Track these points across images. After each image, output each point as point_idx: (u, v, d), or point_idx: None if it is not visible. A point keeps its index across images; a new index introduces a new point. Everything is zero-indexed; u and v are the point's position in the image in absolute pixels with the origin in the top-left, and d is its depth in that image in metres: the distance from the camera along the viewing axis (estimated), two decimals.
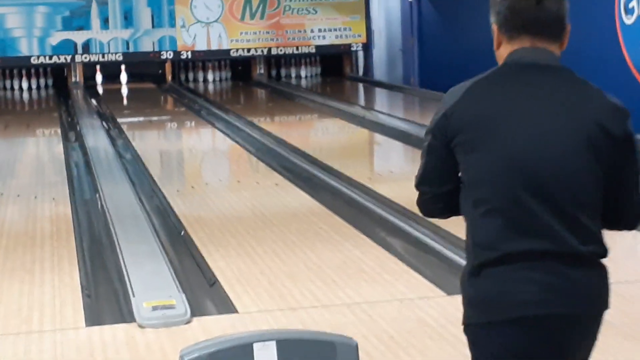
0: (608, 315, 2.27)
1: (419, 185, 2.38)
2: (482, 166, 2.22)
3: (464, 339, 4.28)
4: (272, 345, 2.63)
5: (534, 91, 2.23)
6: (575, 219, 2.18)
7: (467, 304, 2.30)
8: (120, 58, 16.65)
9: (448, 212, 2.40)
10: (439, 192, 2.35)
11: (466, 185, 2.28)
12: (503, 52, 2.33)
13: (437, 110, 2.31)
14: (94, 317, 4.66)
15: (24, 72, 16.53)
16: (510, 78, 2.27)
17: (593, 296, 2.24)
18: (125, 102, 16.22)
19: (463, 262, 5.35)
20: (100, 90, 16.73)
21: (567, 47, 2.34)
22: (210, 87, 17.01)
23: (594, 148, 2.18)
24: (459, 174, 2.30)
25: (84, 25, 16.50)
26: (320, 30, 17.26)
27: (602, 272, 2.26)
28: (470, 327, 2.32)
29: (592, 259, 2.22)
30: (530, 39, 2.27)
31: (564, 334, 2.22)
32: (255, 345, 2.62)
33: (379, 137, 10.86)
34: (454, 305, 4.50)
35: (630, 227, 2.32)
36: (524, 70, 2.26)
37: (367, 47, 17.40)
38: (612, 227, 2.31)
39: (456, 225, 6.38)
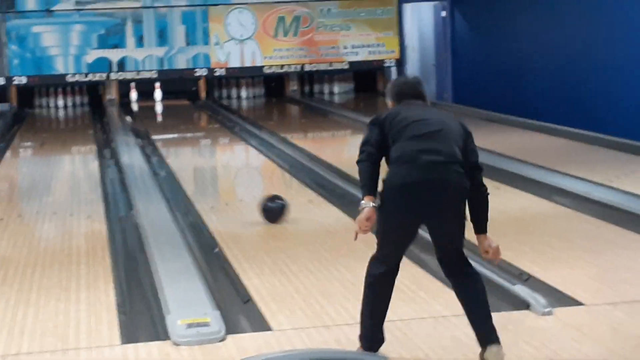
0: None
1: (362, 145, 3.97)
2: (400, 138, 3.92)
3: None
4: None
5: (421, 106, 4.10)
6: (454, 151, 3.93)
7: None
8: (155, 75, 16.78)
9: (373, 163, 3.94)
10: (372, 150, 3.94)
11: (391, 147, 3.93)
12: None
13: (371, 121, 4.04)
14: (129, 335, 4.67)
15: (59, 90, 16.71)
16: (409, 105, 4.09)
17: (458, 187, 3.89)
18: (159, 119, 16.33)
19: (501, 281, 5.33)
20: (135, 107, 16.86)
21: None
22: (244, 103, 17.08)
23: (459, 128, 4.01)
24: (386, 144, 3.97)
25: (119, 43, 16.66)
26: (353, 47, 17.29)
27: (465, 177, 3.91)
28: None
29: (461, 169, 3.91)
30: (409, 100, 4.11)
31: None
32: None
33: None
34: None
35: (476, 169, 4.02)
36: (413, 103, 4.12)
37: (400, 62, 17.41)
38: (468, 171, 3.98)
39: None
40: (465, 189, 3.91)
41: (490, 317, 3.94)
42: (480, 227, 4.01)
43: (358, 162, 3.96)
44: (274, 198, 7.15)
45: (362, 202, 3.90)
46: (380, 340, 4.04)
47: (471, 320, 3.95)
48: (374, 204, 3.89)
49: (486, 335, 3.91)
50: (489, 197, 4.04)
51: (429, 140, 3.88)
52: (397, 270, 4.03)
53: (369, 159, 3.93)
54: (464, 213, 3.94)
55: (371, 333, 4.03)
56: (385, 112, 4.05)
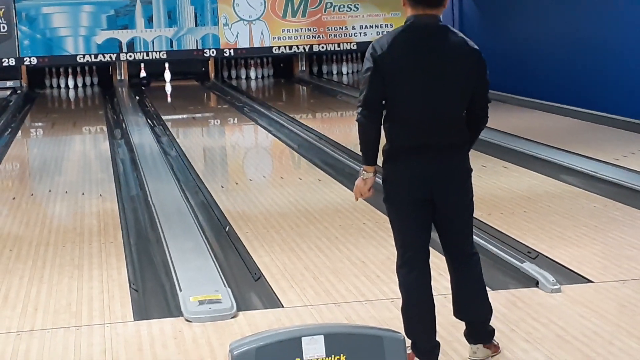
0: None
1: (364, 101, 3.63)
2: (402, 91, 3.61)
3: (508, 333, 4.28)
4: (320, 339, 2.67)
5: (428, 45, 3.61)
6: (456, 135, 3.71)
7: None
8: (164, 56, 16.81)
9: (377, 127, 3.65)
10: (374, 111, 3.64)
11: (389, 103, 3.65)
12: (407, 11, 3.69)
13: (369, 56, 3.62)
14: (141, 312, 4.74)
15: (70, 70, 16.76)
16: (414, 36, 3.63)
17: (456, 166, 3.70)
18: (169, 99, 16.37)
19: (510, 259, 5.36)
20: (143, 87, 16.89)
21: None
22: (253, 84, 17.10)
23: (467, 75, 3.65)
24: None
25: (129, 24, 16.68)
26: (361, 27, 17.28)
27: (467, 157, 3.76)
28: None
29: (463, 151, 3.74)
30: (423, 9, 3.63)
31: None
32: (303, 339, 2.66)
33: None
34: (498, 300, 4.52)
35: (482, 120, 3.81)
36: (421, 30, 3.63)
37: None
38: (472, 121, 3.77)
39: (499, 221, 6.38)
40: (469, 170, 3.76)
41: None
42: None
43: (359, 121, 3.68)
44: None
45: (365, 172, 3.77)
46: (437, 344, 3.78)
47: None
48: (376, 175, 3.77)
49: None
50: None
51: (431, 126, 3.63)
52: (428, 269, 3.78)
53: (372, 122, 3.65)
54: (471, 192, 3.81)
55: (427, 343, 3.76)
56: (385, 41, 3.64)
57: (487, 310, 3.87)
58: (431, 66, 3.61)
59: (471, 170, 3.79)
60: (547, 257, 5.40)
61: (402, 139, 3.67)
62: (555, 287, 4.75)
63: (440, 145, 3.65)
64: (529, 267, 5.03)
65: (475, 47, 3.70)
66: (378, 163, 3.77)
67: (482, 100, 3.75)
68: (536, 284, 4.83)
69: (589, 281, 4.94)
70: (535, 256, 5.41)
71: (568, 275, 5.06)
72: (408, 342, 3.69)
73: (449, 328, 4.15)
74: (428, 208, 3.72)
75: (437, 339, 3.79)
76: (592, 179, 7.45)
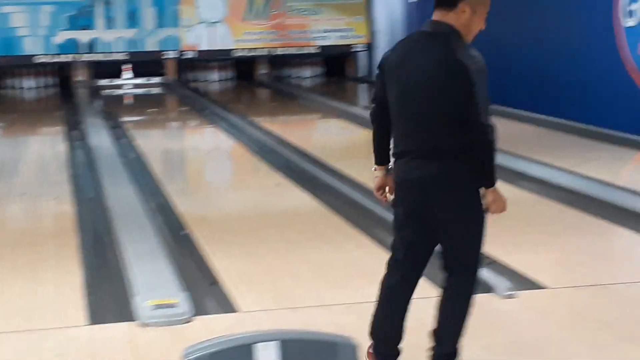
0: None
1: (372, 98, 3.73)
2: (391, 96, 3.61)
3: (465, 340, 4.30)
4: (274, 345, 2.67)
5: (412, 52, 3.58)
6: (440, 141, 3.55)
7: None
8: (125, 57, 16.70)
9: (380, 125, 3.71)
10: (377, 110, 3.69)
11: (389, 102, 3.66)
12: None
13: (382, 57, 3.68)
14: (96, 316, 4.69)
15: (28, 70, 16.58)
16: (407, 43, 3.65)
17: (444, 175, 3.50)
18: (128, 101, 16.27)
19: None
20: (103, 89, 16.78)
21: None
22: (214, 86, 17.05)
23: (447, 84, 3.50)
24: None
25: (89, 25, 16.56)
26: (323, 31, 17.30)
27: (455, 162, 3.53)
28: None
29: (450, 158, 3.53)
30: (435, 12, 3.60)
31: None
32: (257, 346, 2.65)
33: None
34: None
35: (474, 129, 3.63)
36: (414, 37, 3.65)
37: (370, 47, 17.44)
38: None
39: None
40: (462, 181, 3.53)
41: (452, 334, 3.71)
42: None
43: (369, 116, 3.78)
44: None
45: (374, 171, 3.78)
46: (398, 353, 3.70)
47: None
48: (384, 173, 3.72)
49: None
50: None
51: (412, 132, 3.55)
52: (412, 279, 3.67)
53: (375, 120, 3.73)
54: (470, 208, 3.61)
55: (387, 348, 3.70)
56: (394, 45, 3.70)
57: (445, 344, 3.68)
58: (409, 73, 3.55)
59: (468, 185, 3.55)
60: (502, 262, 5.43)
61: (395, 144, 3.67)
62: (510, 292, 4.78)
63: (423, 151, 3.51)
64: (483, 272, 5.05)
65: (462, 59, 3.48)
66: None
67: (471, 117, 3.49)
68: (490, 289, 4.86)
69: (544, 287, 4.98)
70: (491, 262, 5.44)
71: (523, 281, 5.09)
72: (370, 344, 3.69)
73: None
74: (421, 220, 3.57)
75: (402, 346, 3.71)
76: (549, 185, 7.51)
